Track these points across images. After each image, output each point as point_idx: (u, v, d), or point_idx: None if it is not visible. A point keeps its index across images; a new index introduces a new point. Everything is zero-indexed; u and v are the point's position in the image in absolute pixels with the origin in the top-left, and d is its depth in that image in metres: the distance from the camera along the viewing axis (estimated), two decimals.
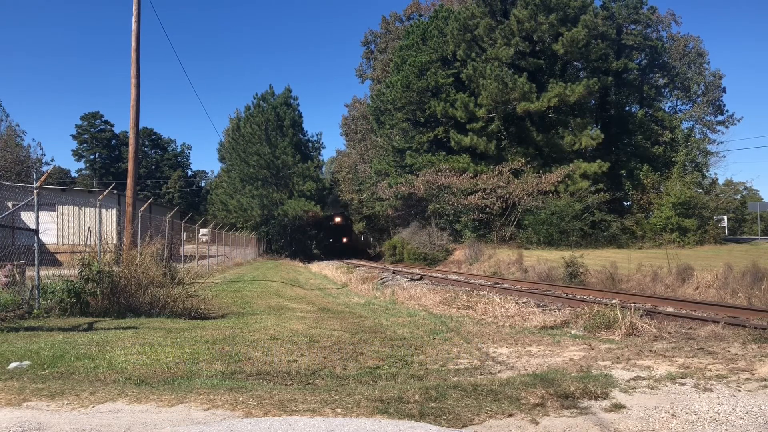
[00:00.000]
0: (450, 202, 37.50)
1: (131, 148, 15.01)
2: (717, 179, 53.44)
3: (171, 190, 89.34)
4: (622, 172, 42.06)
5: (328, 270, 28.41)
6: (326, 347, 7.19)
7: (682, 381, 4.89)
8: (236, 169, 47.42)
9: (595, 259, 21.27)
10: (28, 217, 13.05)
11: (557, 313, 10.94)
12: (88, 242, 12.12)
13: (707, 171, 50.14)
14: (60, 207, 25.36)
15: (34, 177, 9.53)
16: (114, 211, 23.21)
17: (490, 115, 38.85)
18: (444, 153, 42.09)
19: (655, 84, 50.99)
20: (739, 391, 4.57)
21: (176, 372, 5.52)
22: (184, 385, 4.89)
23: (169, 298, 10.24)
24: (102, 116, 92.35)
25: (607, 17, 43.38)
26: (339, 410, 4.08)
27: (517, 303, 12.21)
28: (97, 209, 11.32)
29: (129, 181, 14.73)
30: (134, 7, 14.96)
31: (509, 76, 36.42)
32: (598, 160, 37.71)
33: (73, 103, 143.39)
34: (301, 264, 37.28)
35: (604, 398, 4.47)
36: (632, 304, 10.53)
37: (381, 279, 21.33)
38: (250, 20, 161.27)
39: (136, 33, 14.94)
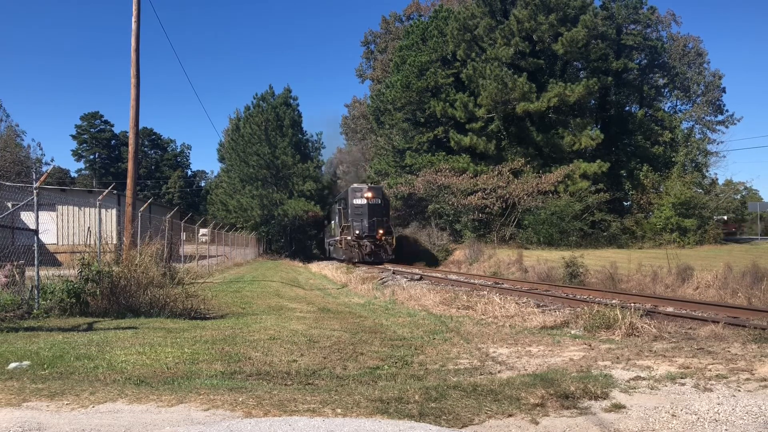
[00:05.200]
0: (450, 202, 37.51)
1: (131, 148, 15.01)
2: (717, 179, 53.53)
3: (171, 190, 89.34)
4: (622, 172, 42.10)
5: (328, 270, 28.38)
6: (326, 347, 7.19)
7: (682, 381, 4.89)
8: (236, 169, 47.39)
9: (595, 259, 21.27)
10: (27, 217, 13.04)
11: (557, 313, 10.93)
12: (88, 242, 12.12)
13: (707, 171, 50.28)
14: (60, 207, 25.35)
15: (34, 177, 9.53)
16: (114, 211, 23.20)
17: (490, 115, 38.87)
18: (444, 153, 42.10)
19: (655, 84, 51.04)
20: (739, 391, 4.57)
21: (176, 372, 5.52)
22: (184, 385, 4.89)
23: (169, 298, 10.23)
24: (102, 116, 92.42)
25: (607, 17, 43.42)
26: (339, 410, 4.08)
27: (517, 303, 12.19)
28: (97, 209, 11.32)
29: (129, 181, 14.72)
30: (134, 7, 14.95)
31: (509, 76, 36.43)
32: (598, 160, 37.74)
33: (73, 103, 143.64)
34: (300, 264, 37.26)
35: (604, 398, 4.46)
36: (632, 304, 10.52)
37: (381, 279, 21.32)
38: (250, 20, 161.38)
39: (136, 33, 14.93)
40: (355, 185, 34.97)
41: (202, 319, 9.73)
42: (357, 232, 31.49)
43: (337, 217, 35.57)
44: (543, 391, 4.56)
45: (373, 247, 31.48)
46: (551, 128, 39.15)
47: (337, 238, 34.46)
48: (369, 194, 32.35)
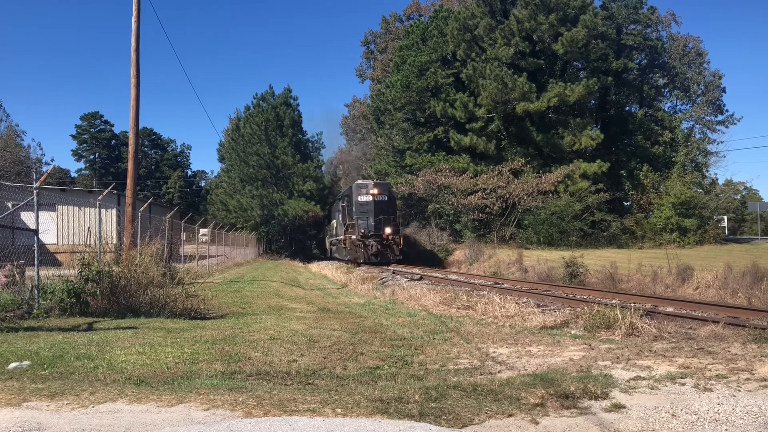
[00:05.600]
0: (450, 202, 37.53)
1: (131, 148, 15.01)
2: (717, 179, 53.60)
3: (171, 190, 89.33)
4: (622, 172, 42.12)
5: (328, 270, 28.36)
6: (326, 347, 7.19)
7: (682, 381, 4.88)
8: (236, 169, 47.42)
9: (595, 259, 21.27)
10: (27, 217, 13.04)
11: (557, 313, 10.92)
12: (88, 242, 12.12)
13: (707, 171, 50.32)
14: (60, 207, 25.36)
15: (34, 177, 9.53)
16: (114, 211, 23.21)
17: (490, 115, 38.89)
18: (444, 153, 42.12)
19: (655, 84, 51.05)
20: (739, 391, 4.56)
21: (176, 372, 5.52)
22: (184, 385, 4.89)
23: (169, 298, 10.24)
24: (102, 116, 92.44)
25: (607, 17, 43.44)
26: (339, 410, 4.08)
27: (517, 303, 12.19)
28: (97, 209, 11.32)
29: (129, 181, 14.72)
30: (134, 7, 14.95)
31: (509, 76, 36.45)
32: (598, 160, 37.76)
33: (73, 103, 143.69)
34: (300, 264, 37.25)
35: (604, 398, 4.46)
36: (632, 304, 10.51)
37: (381, 279, 21.31)
38: (250, 20, 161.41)
39: (136, 33, 14.93)
40: (360, 181, 32.59)
41: (202, 319, 9.73)
42: (362, 231, 29.23)
43: (340, 215, 32.88)
44: (543, 391, 4.56)
45: (379, 246, 29.14)
46: (551, 128, 39.18)
47: (341, 237, 32.09)
48: (375, 191, 29.94)
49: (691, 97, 57.94)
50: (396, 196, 35.77)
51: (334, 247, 37.62)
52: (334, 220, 36.94)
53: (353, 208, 30.03)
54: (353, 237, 29.56)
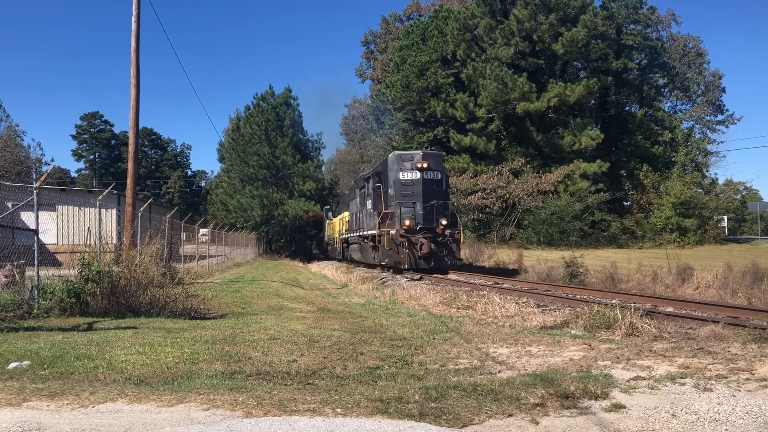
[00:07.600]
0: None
1: (131, 148, 15.01)
2: (717, 179, 53.69)
3: (171, 190, 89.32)
4: (622, 172, 42.16)
5: (328, 270, 28.35)
6: (326, 347, 7.19)
7: (682, 381, 4.88)
8: (236, 169, 47.42)
9: (595, 259, 21.28)
10: (27, 217, 13.05)
11: (557, 313, 10.91)
12: (88, 242, 12.13)
13: (707, 171, 50.37)
14: (60, 207, 25.36)
15: (34, 177, 9.53)
16: (114, 211, 23.21)
17: (490, 115, 38.91)
18: (444, 153, 42.11)
19: (654, 84, 51.07)
20: (739, 391, 4.56)
21: (176, 372, 5.52)
22: (184, 385, 4.89)
23: (169, 298, 10.24)
24: (102, 116, 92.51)
25: (607, 17, 43.46)
26: (339, 410, 4.08)
27: (517, 303, 12.17)
28: (97, 209, 11.32)
29: (129, 181, 14.72)
30: (134, 7, 14.95)
31: (509, 76, 36.47)
32: (598, 160, 37.80)
33: (73, 103, 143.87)
34: (300, 264, 37.23)
35: (604, 398, 4.46)
36: (632, 304, 10.50)
37: (381, 279, 21.25)
38: (250, 20, 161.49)
39: (136, 33, 14.93)
40: (401, 152, 22.85)
41: (202, 319, 9.73)
42: (407, 222, 19.99)
43: (369, 202, 23.58)
44: (543, 390, 4.56)
45: (432, 246, 19.99)
46: (551, 128, 39.22)
47: (370, 232, 22.91)
48: (424, 164, 20.56)
49: (691, 97, 58.00)
50: (449, 173, 26.52)
51: (353, 246, 28.49)
52: (347, 212, 29.73)
53: (390, 190, 21.04)
54: (392, 232, 20.41)
